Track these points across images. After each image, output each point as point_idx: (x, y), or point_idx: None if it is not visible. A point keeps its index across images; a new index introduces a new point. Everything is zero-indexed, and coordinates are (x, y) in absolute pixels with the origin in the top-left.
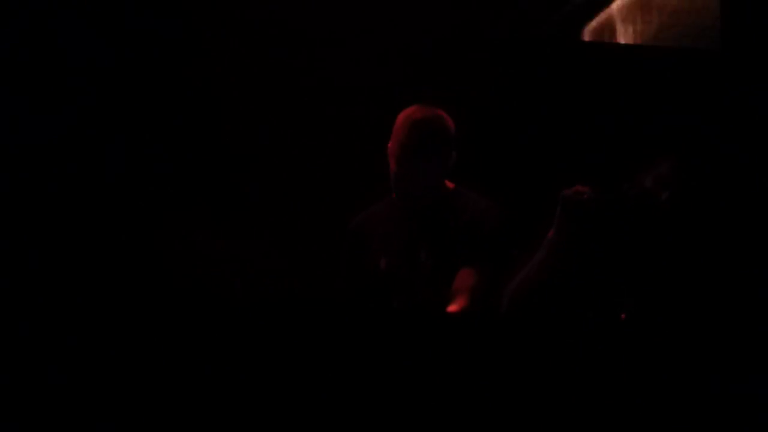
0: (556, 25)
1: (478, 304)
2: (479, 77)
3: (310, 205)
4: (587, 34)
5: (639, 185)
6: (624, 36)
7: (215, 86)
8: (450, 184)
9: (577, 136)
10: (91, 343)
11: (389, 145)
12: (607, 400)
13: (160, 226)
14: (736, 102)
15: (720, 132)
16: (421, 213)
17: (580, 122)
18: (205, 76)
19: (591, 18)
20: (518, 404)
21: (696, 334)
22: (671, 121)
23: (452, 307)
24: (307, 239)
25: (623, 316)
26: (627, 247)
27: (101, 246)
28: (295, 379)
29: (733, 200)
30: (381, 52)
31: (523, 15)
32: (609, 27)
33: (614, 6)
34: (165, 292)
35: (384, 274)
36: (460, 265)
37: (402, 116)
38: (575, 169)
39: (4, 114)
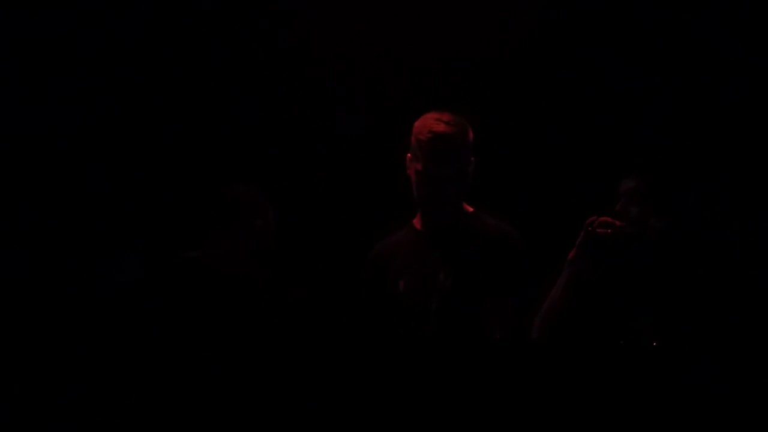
0: None
1: (508, 333)
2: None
3: (329, 231)
4: None
5: (658, 219)
6: None
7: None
8: (469, 208)
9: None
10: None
11: (408, 155)
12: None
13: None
14: None
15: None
16: (440, 236)
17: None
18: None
19: None
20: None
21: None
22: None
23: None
24: (328, 267)
25: (655, 343)
26: (646, 277)
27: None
28: (312, 405)
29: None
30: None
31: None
32: None
33: None
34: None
35: (402, 297)
36: (481, 289)
37: (420, 128)
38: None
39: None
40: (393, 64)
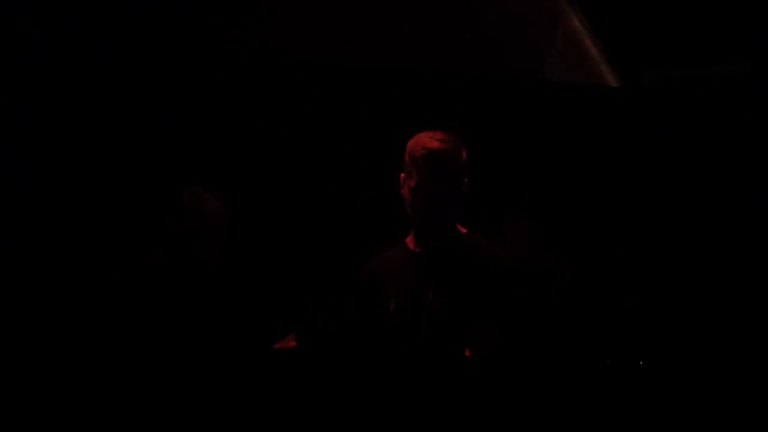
0: None
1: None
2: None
3: (320, 250)
4: None
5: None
6: None
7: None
8: (462, 229)
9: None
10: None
11: (402, 175)
12: None
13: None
14: None
15: None
16: (432, 256)
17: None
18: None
19: None
20: None
21: None
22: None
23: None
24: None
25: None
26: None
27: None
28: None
29: None
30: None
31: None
32: None
33: None
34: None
35: (392, 316)
36: (471, 311)
37: (414, 146)
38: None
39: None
40: (388, 81)
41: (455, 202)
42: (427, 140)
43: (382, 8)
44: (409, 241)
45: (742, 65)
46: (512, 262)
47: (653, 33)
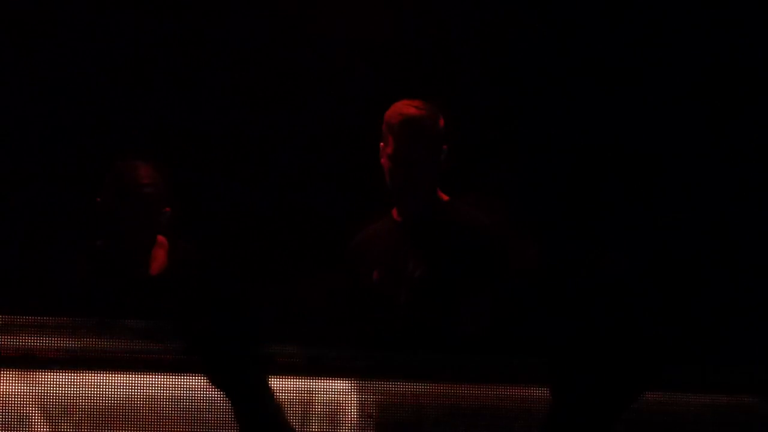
0: None
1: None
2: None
3: (306, 225)
4: None
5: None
6: None
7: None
8: (444, 197)
9: None
10: None
11: (381, 144)
12: None
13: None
14: None
15: None
16: (413, 225)
17: None
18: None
19: None
20: None
21: None
22: None
23: None
24: (306, 260)
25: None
26: None
27: None
28: None
29: None
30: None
31: None
32: None
33: None
34: None
35: (375, 287)
36: (452, 280)
37: (390, 114)
38: None
39: None
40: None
41: (433, 168)
42: (403, 107)
43: None
44: (394, 211)
45: None
46: (494, 228)
47: None
